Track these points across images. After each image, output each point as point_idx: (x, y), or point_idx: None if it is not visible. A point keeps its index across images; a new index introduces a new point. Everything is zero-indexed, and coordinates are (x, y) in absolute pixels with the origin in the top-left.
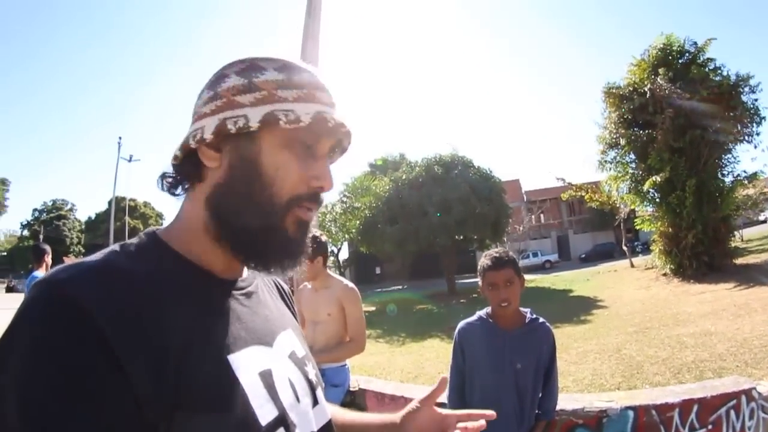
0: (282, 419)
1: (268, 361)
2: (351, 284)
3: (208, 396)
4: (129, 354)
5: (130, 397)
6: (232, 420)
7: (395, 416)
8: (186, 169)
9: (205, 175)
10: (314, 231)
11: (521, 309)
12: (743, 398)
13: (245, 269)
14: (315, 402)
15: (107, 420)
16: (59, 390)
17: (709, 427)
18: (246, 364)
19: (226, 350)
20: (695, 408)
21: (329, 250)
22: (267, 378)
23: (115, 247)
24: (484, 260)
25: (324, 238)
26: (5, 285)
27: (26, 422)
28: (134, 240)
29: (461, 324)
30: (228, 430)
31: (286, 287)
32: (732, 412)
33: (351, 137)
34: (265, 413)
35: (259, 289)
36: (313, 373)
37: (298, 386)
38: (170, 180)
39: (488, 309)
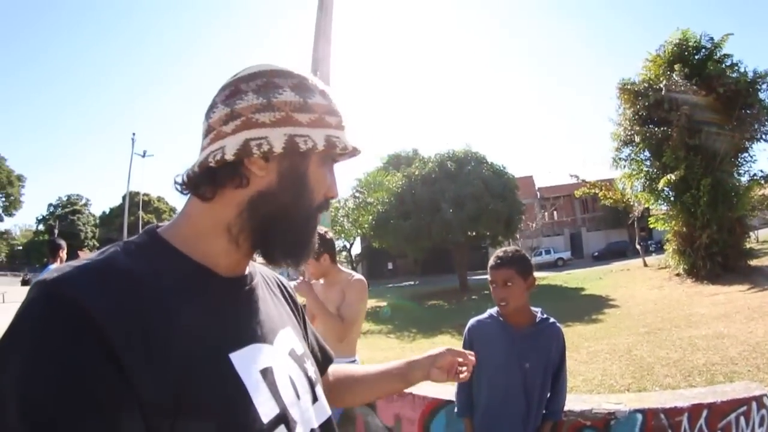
0: (283, 416)
1: (269, 359)
2: (359, 276)
3: (211, 394)
4: (129, 354)
5: (132, 396)
6: (234, 418)
7: (420, 357)
8: (221, 176)
9: (248, 182)
10: (320, 229)
11: (532, 308)
12: (754, 405)
13: (247, 268)
14: (315, 399)
15: (109, 421)
16: (59, 390)
17: None
18: (248, 362)
19: (228, 348)
20: (705, 413)
21: (340, 245)
22: (268, 376)
23: (116, 245)
24: (491, 259)
25: (330, 235)
26: (21, 278)
27: (27, 423)
28: (135, 238)
29: (471, 321)
30: (230, 428)
31: (287, 283)
32: (742, 419)
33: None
34: (266, 411)
35: (260, 287)
36: (312, 370)
37: (299, 383)
38: (194, 183)
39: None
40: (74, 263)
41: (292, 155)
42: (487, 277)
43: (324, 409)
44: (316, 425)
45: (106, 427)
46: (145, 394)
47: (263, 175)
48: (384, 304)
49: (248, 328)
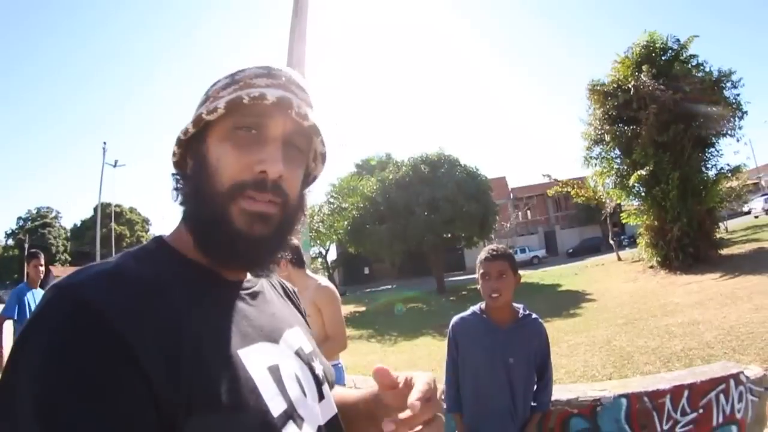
0: (290, 413)
1: (276, 357)
2: (326, 283)
3: (223, 390)
4: (143, 355)
5: (148, 396)
6: (246, 412)
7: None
8: (176, 179)
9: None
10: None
11: (514, 305)
12: (732, 382)
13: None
14: (321, 397)
15: (125, 420)
16: (76, 391)
17: (700, 411)
18: (255, 359)
19: (236, 346)
20: (686, 393)
21: (316, 251)
22: (275, 373)
23: (125, 252)
24: (482, 253)
25: (293, 240)
26: None
27: (42, 424)
28: (144, 245)
29: (455, 319)
30: (243, 422)
31: (290, 286)
32: (722, 396)
33: (298, 119)
34: (275, 406)
35: (265, 289)
36: (320, 368)
37: (305, 382)
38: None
39: (482, 304)
40: (86, 268)
41: (194, 136)
42: (469, 277)
43: (331, 407)
44: (322, 422)
45: (122, 426)
46: (159, 393)
47: (188, 169)
48: (363, 309)
49: (254, 328)
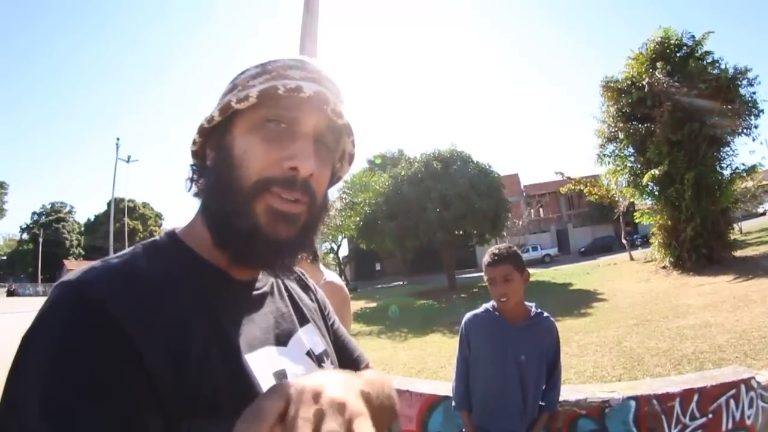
0: None
1: (283, 362)
2: (335, 279)
3: (228, 396)
4: (151, 355)
5: (153, 397)
6: None
7: None
8: (194, 170)
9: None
10: None
11: (526, 303)
12: (743, 387)
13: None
14: None
15: (130, 419)
16: (81, 391)
17: (710, 416)
18: (261, 365)
19: (243, 350)
20: (696, 397)
21: (328, 247)
22: (281, 378)
23: (136, 247)
24: (485, 257)
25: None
26: (6, 289)
27: (47, 422)
28: (155, 239)
29: (467, 315)
30: None
31: (309, 280)
32: (732, 401)
33: (333, 117)
34: None
35: (276, 288)
36: (330, 368)
37: None
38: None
39: (494, 302)
40: (95, 264)
41: (219, 125)
42: (480, 274)
43: None
44: None
45: (127, 427)
46: (164, 395)
47: (209, 161)
48: (374, 304)
49: (262, 331)
